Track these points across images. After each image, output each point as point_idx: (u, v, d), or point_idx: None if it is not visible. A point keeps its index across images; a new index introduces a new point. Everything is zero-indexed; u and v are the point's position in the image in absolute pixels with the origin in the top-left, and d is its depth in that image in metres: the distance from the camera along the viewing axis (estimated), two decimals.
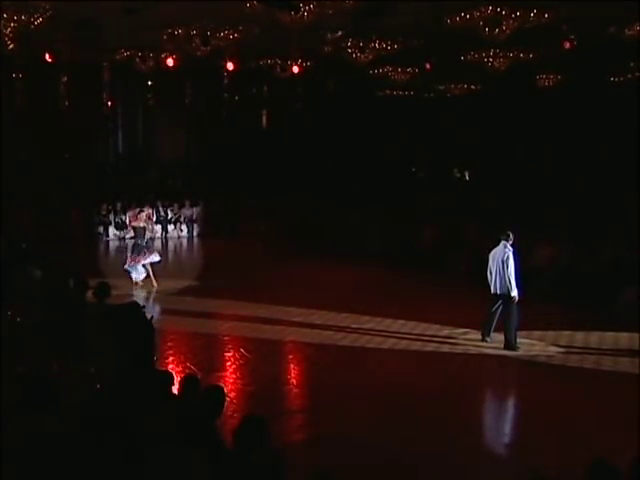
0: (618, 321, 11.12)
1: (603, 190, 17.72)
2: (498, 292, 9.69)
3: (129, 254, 13.10)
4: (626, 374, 8.92)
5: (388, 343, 10.29)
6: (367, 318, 11.51)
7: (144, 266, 12.85)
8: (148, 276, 13.04)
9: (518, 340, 9.95)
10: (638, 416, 6.95)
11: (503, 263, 9.53)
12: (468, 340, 10.34)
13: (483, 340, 10.16)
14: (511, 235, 9.67)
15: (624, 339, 10.49)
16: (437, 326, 11.05)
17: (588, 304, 11.82)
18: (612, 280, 12.22)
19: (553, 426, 7.38)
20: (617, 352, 9.90)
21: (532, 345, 10.14)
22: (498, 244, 9.81)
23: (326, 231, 19.50)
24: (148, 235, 13.12)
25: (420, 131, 24.75)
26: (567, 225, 15.47)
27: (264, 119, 25.48)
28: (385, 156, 24.58)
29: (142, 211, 13.51)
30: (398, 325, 11.16)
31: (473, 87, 23.29)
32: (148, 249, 12.94)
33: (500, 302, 9.77)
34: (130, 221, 13.80)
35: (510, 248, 9.63)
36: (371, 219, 19.12)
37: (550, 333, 10.72)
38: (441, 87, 23.99)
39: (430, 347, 10.13)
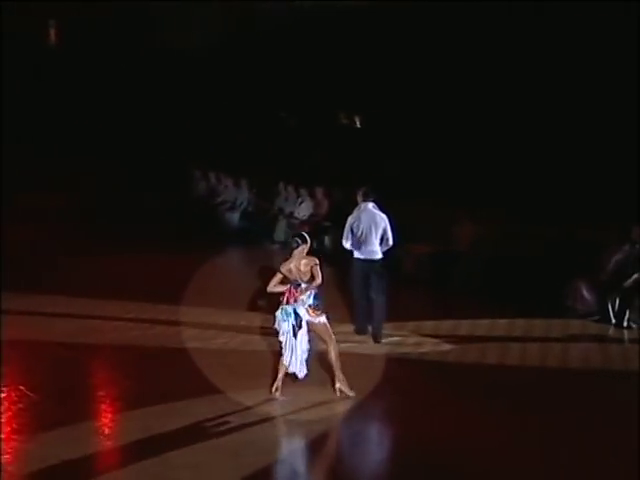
0: (565, 328, 11.97)
1: (557, 146, 17.23)
2: (372, 258, 10.73)
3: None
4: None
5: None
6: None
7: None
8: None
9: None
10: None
11: (381, 224, 10.68)
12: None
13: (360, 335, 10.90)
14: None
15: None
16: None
17: (520, 299, 12.70)
18: (555, 269, 13.01)
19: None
20: (565, 363, 10.50)
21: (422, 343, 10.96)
22: (358, 206, 10.90)
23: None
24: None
25: (290, 54, 23.30)
26: (500, 194, 15.99)
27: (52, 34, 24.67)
28: (236, 95, 24.04)
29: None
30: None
31: None
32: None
33: (366, 275, 10.74)
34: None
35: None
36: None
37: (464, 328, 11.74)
38: None
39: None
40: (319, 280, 8.46)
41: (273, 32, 23.91)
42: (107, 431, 7.93)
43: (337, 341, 8.81)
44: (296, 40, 23.24)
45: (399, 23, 20.79)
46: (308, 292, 8.45)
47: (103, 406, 8.66)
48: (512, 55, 17.87)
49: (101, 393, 9.10)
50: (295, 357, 8.51)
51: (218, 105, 24.07)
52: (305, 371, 8.58)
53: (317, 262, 8.52)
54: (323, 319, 8.57)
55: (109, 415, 8.38)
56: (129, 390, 8.91)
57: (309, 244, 8.68)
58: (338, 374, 8.65)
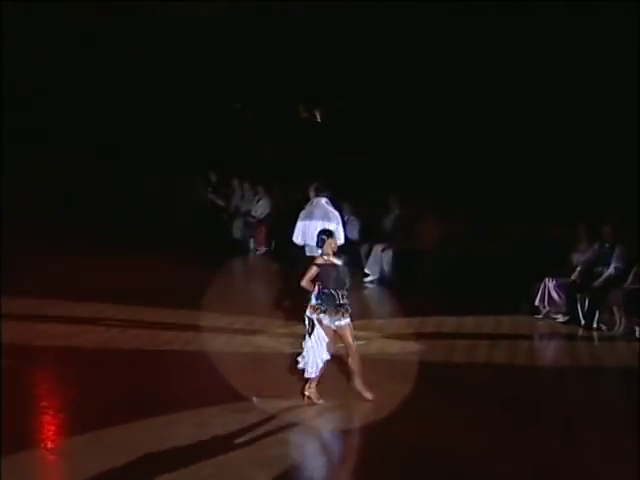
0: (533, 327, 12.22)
1: (525, 144, 16.99)
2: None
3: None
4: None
5: None
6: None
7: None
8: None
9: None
10: None
11: (333, 221, 10.55)
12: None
13: None
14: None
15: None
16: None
17: (487, 299, 12.72)
18: (523, 268, 13.07)
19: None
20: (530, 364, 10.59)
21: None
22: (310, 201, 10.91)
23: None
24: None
25: (246, 44, 22.79)
26: (468, 193, 15.78)
27: None
28: (189, 87, 23.63)
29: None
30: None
31: None
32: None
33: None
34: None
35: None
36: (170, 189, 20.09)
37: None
38: None
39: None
40: (302, 281, 8.42)
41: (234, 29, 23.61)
42: (53, 447, 7.40)
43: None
44: (260, 35, 23.09)
45: (365, 18, 20.73)
46: (312, 293, 8.43)
47: (48, 420, 8.09)
48: (478, 49, 17.82)
49: (44, 404, 8.51)
50: (312, 357, 8.39)
51: (172, 101, 23.90)
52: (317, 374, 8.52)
53: (318, 263, 8.45)
54: (326, 321, 8.36)
55: (52, 431, 7.81)
56: (74, 401, 8.46)
57: (335, 239, 8.63)
58: (312, 383, 8.49)
